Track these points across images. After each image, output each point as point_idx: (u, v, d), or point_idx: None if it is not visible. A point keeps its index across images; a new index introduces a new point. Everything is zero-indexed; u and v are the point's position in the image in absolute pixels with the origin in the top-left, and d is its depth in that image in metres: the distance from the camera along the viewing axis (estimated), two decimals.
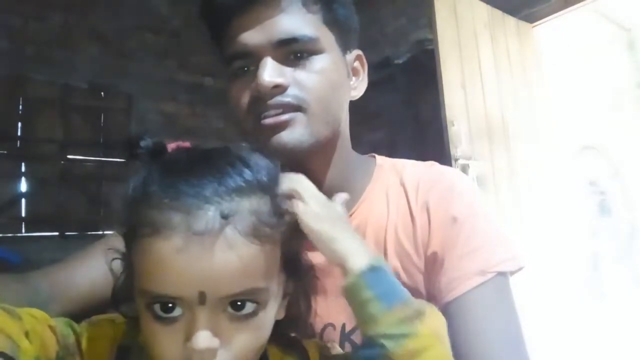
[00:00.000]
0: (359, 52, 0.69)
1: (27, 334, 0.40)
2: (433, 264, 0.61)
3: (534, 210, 2.34)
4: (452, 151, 2.10)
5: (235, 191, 0.42)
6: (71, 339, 0.47)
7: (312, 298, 0.54)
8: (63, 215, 3.49)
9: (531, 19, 2.68)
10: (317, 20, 0.61)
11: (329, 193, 0.66)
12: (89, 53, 3.62)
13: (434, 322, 0.45)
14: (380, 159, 0.73)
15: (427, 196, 0.64)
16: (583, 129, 3.46)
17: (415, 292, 0.63)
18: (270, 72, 0.57)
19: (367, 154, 0.75)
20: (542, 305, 2.09)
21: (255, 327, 0.43)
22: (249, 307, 0.42)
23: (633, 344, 2.70)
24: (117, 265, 0.50)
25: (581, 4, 2.45)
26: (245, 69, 0.61)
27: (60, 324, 0.47)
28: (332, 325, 0.64)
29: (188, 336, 0.40)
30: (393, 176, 0.68)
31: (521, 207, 2.27)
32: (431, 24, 2.28)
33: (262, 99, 0.58)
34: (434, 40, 2.23)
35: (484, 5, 2.49)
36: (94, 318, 0.53)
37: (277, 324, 0.49)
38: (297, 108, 0.58)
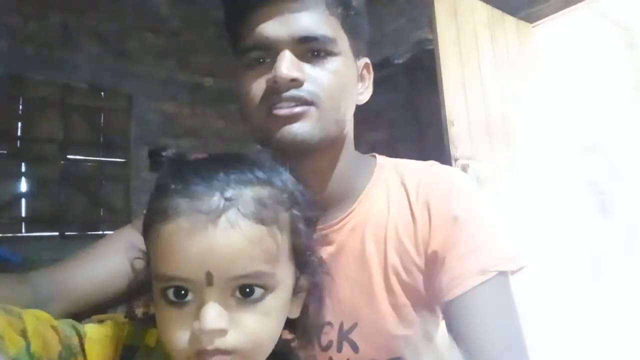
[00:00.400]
0: (367, 60, 0.71)
1: (24, 332, 0.40)
2: (433, 263, 0.61)
3: (534, 210, 2.35)
4: (452, 151, 2.10)
5: (242, 182, 0.44)
6: (74, 339, 0.47)
7: (324, 295, 0.54)
8: (63, 215, 3.49)
9: (531, 18, 2.68)
10: (336, 23, 0.62)
11: (332, 192, 0.66)
12: (89, 53, 3.62)
13: None
14: (381, 159, 0.73)
15: (428, 195, 0.64)
16: (583, 129, 3.46)
17: (414, 291, 0.63)
18: (289, 65, 0.58)
19: (367, 153, 0.76)
20: (542, 305, 2.09)
21: (264, 312, 0.44)
22: (258, 292, 0.43)
23: (633, 343, 2.71)
24: (127, 260, 0.52)
25: (581, 3, 2.46)
26: (262, 60, 0.61)
27: (63, 324, 0.47)
28: (330, 324, 0.64)
29: (197, 318, 0.41)
30: (394, 175, 0.69)
31: (521, 207, 2.27)
32: (431, 24, 2.28)
33: (277, 90, 0.58)
34: (434, 40, 2.23)
35: (484, 5, 2.49)
36: (94, 318, 0.53)
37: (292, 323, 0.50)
38: (310, 103, 0.59)
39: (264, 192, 0.45)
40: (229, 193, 0.43)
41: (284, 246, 0.46)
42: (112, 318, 0.53)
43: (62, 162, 3.55)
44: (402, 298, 0.63)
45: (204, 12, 4.02)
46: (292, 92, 0.58)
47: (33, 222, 3.42)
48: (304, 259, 0.50)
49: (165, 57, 4.00)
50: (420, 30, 3.11)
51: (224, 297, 0.42)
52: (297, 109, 0.58)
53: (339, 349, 0.65)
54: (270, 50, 0.60)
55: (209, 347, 0.41)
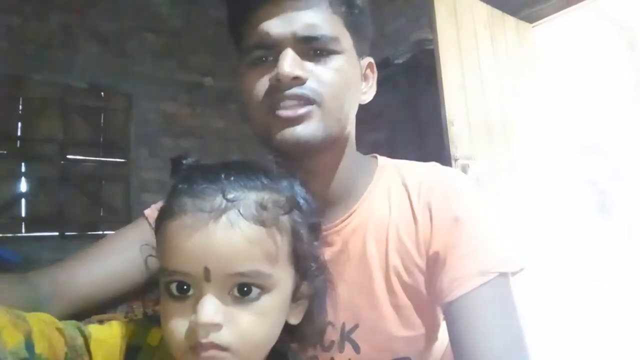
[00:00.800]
0: (371, 59, 0.71)
1: (29, 333, 0.40)
2: (434, 263, 0.61)
3: (534, 210, 2.35)
4: (452, 151, 2.10)
5: (246, 186, 0.46)
6: (79, 340, 0.48)
7: (325, 301, 0.54)
8: (63, 215, 3.49)
9: (531, 19, 2.68)
10: (339, 22, 0.62)
11: (333, 192, 0.66)
12: (89, 53, 3.62)
13: None
14: (382, 160, 0.73)
15: (430, 196, 0.64)
16: (583, 129, 3.46)
17: (416, 292, 0.63)
18: (291, 63, 0.58)
19: (367, 154, 0.75)
20: (541, 305, 2.09)
21: (261, 312, 0.44)
22: (254, 292, 0.44)
23: (633, 343, 2.71)
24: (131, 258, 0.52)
25: (581, 3, 2.45)
26: (264, 59, 0.61)
27: (68, 326, 0.48)
28: (332, 324, 0.64)
29: (194, 312, 0.43)
30: (395, 176, 0.69)
31: (521, 207, 2.27)
32: (431, 24, 2.28)
33: (280, 89, 0.58)
34: (434, 40, 2.23)
35: (484, 5, 2.49)
36: (94, 318, 0.53)
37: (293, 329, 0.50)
38: (312, 101, 0.59)
39: (267, 196, 0.46)
40: (231, 195, 0.44)
41: (283, 249, 0.47)
42: (112, 318, 0.53)
43: (62, 162, 3.56)
44: (404, 299, 0.63)
45: (204, 12, 4.02)
46: (295, 90, 0.58)
47: (33, 222, 3.42)
48: (306, 265, 0.50)
49: (165, 57, 4.00)
50: (420, 30, 3.10)
51: (222, 294, 0.43)
52: (301, 111, 0.58)
53: (341, 350, 0.65)
54: (272, 49, 0.60)
55: (204, 341, 0.42)
